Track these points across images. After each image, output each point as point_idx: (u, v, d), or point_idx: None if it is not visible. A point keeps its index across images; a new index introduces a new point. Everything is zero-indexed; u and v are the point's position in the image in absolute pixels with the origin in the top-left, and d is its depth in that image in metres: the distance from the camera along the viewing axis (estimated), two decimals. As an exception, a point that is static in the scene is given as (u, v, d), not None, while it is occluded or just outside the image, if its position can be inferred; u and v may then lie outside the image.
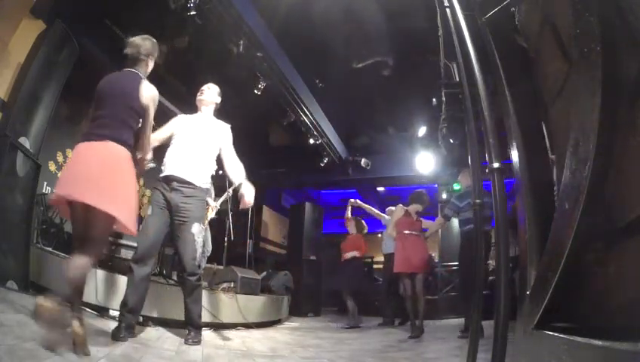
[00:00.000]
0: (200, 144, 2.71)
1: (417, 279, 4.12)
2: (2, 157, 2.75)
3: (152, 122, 2.16)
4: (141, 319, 3.00)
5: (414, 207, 4.43)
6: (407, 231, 4.26)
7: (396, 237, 4.37)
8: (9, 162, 2.82)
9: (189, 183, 2.59)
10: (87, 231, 1.83)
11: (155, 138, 2.59)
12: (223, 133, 2.84)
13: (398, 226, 4.35)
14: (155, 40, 2.28)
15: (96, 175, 1.82)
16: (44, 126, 3.30)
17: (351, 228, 5.69)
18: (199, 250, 2.58)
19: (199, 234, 2.58)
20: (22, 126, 3.05)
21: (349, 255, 5.44)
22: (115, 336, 2.19)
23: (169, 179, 2.57)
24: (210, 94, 2.88)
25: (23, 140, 3.01)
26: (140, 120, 2.06)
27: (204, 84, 2.95)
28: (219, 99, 2.92)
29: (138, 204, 2.04)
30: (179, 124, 2.80)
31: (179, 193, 2.54)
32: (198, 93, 2.88)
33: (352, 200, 5.70)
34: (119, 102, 1.99)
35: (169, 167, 2.61)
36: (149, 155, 2.26)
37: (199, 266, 2.62)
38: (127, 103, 1.99)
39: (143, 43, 2.19)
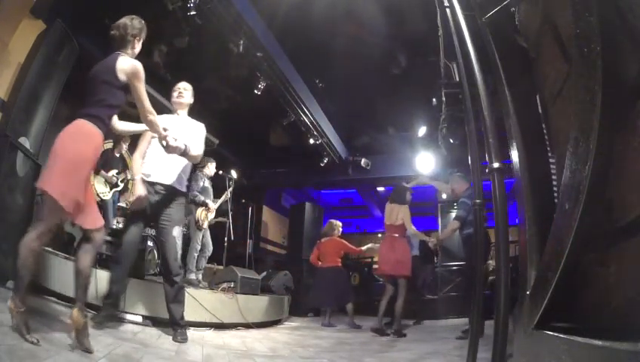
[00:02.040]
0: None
1: (400, 283, 4.13)
2: (2, 157, 2.74)
3: (143, 95, 2.03)
4: (141, 319, 3.01)
5: (391, 207, 4.33)
6: (390, 234, 4.27)
7: (404, 241, 4.34)
8: (9, 162, 2.82)
9: (172, 188, 2.72)
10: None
11: (141, 150, 2.75)
12: (199, 134, 2.88)
13: (403, 230, 4.30)
14: (142, 20, 2.22)
15: (52, 158, 1.79)
16: (44, 126, 3.30)
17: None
18: (179, 251, 2.80)
19: (179, 236, 2.79)
20: (22, 126, 3.05)
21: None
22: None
23: (153, 184, 2.68)
24: (188, 96, 2.91)
25: (23, 140, 3.01)
26: (122, 94, 1.98)
27: (179, 83, 2.94)
28: (192, 100, 2.98)
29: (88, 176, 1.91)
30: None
31: (161, 197, 2.68)
32: (175, 95, 2.90)
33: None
34: (96, 81, 1.93)
35: (153, 173, 2.69)
36: (165, 135, 2.26)
37: (180, 266, 2.82)
38: (102, 80, 1.92)
39: (129, 23, 2.14)
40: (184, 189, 2.85)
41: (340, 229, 5.49)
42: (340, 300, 5.14)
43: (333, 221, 5.53)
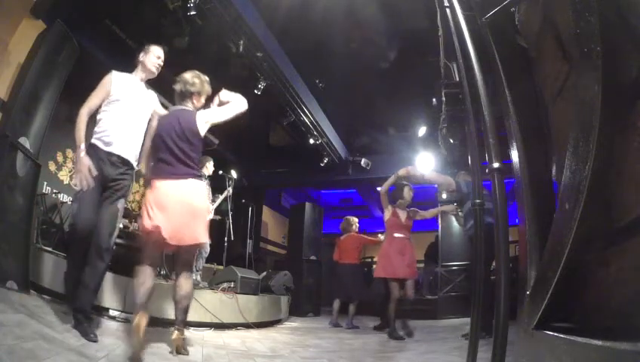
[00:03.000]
0: (141, 120, 2.49)
1: (407, 285, 4.01)
2: (2, 157, 2.74)
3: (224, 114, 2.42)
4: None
5: (400, 204, 4.19)
6: (396, 234, 4.12)
7: (385, 240, 4.25)
8: (9, 162, 2.82)
9: (129, 164, 2.44)
10: (187, 257, 2.37)
11: (90, 106, 2.37)
12: (155, 105, 2.61)
13: (387, 227, 4.21)
14: (207, 78, 2.45)
15: (191, 215, 2.22)
16: (44, 126, 3.30)
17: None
18: (118, 227, 2.45)
19: (122, 211, 2.44)
20: (22, 126, 3.05)
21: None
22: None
23: (110, 154, 2.35)
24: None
25: (23, 140, 3.01)
26: (200, 146, 2.37)
27: (159, 50, 2.60)
28: None
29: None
30: (119, 86, 2.46)
31: (116, 169, 2.37)
32: (156, 61, 2.55)
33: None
34: (184, 141, 2.26)
35: (116, 144, 2.36)
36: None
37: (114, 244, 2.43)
38: (192, 141, 2.28)
39: (190, 80, 2.36)
40: (137, 165, 2.53)
41: (357, 225, 5.50)
42: (350, 296, 5.15)
43: (350, 217, 5.54)
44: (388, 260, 4.07)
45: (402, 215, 4.20)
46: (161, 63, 2.61)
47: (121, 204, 2.42)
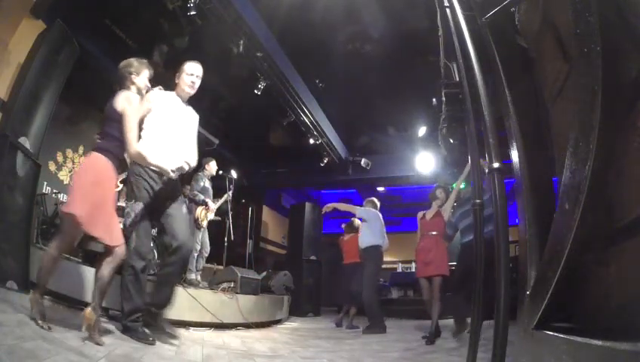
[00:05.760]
0: (183, 137, 2.59)
1: (434, 282, 3.94)
2: (2, 157, 2.74)
3: (131, 119, 2.22)
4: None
5: (434, 205, 4.27)
6: (424, 233, 4.18)
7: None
8: (9, 162, 2.82)
9: (175, 181, 2.57)
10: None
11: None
12: (196, 128, 2.73)
13: (420, 228, 4.28)
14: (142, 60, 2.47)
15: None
16: (44, 126, 3.30)
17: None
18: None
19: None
20: (22, 126, 3.05)
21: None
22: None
23: (161, 174, 2.43)
24: (198, 85, 2.68)
25: (23, 140, 3.01)
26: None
27: (195, 67, 2.64)
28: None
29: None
30: (160, 103, 2.52)
31: (168, 186, 2.52)
32: (189, 81, 2.60)
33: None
34: (105, 120, 2.29)
35: (165, 161, 2.35)
36: (134, 151, 2.23)
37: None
38: (109, 117, 2.26)
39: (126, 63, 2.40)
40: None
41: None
42: (354, 297, 5.16)
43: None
44: (416, 259, 4.22)
45: (429, 214, 4.25)
46: (195, 80, 2.64)
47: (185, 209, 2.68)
